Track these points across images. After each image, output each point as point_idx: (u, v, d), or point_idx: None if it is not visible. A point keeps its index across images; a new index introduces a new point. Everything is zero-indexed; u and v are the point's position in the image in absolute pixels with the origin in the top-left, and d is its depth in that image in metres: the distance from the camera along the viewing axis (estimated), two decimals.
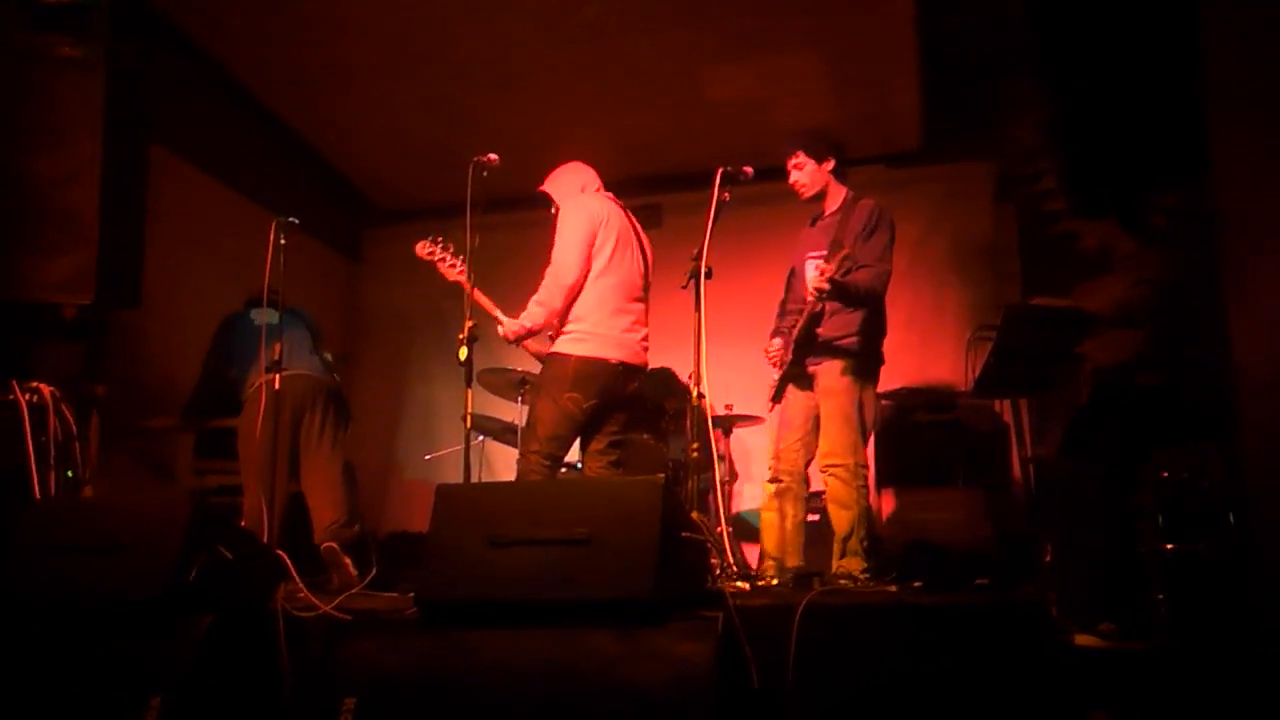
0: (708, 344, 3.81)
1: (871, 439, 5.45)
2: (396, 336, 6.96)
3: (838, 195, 4.26)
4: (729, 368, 4.37)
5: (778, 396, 4.26)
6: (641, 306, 4.27)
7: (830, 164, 4.24)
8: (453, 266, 4.23)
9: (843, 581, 3.71)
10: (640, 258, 4.31)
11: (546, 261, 4.09)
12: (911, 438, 5.43)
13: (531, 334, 4.10)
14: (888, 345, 6.00)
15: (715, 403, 5.32)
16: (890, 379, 5.71)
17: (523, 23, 5.40)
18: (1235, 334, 2.43)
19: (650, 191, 7.02)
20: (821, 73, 5.80)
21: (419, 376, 7.16)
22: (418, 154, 6.54)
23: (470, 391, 4.02)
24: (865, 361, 4.09)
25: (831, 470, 3.96)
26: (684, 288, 3.87)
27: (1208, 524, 3.31)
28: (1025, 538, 4.95)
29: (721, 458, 5.35)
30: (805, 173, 4.24)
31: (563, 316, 4.06)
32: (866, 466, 4.04)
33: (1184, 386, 3.45)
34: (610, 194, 4.31)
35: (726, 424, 5.68)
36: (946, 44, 5.49)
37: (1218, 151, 2.52)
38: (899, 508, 5.33)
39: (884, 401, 5.54)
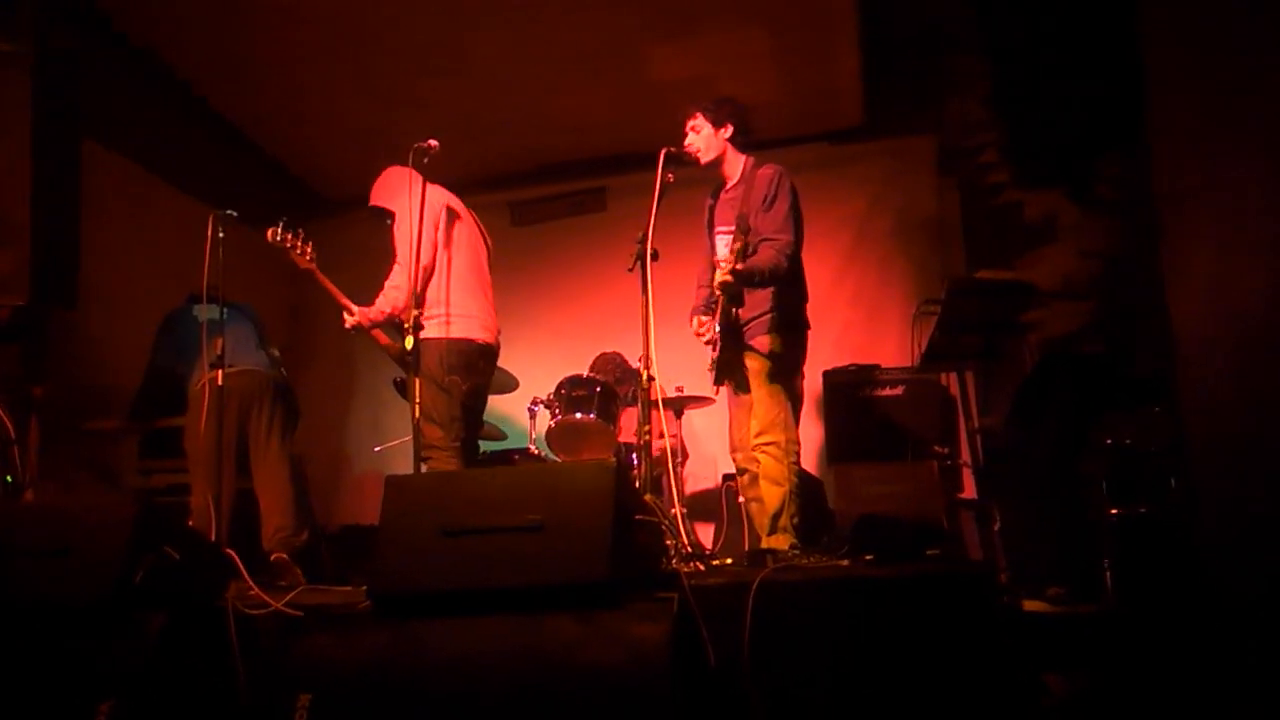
0: (656, 327, 3.82)
1: (816, 414, 5.55)
2: (342, 327, 6.88)
3: (737, 164, 4.19)
4: (678, 350, 4.37)
5: (719, 380, 4.22)
6: (489, 290, 4.40)
7: (728, 130, 4.15)
8: (303, 254, 4.21)
9: (769, 558, 3.69)
10: (483, 243, 4.46)
11: (392, 260, 4.18)
12: (859, 413, 5.47)
13: (390, 318, 4.15)
14: (834, 322, 6.07)
15: (665, 385, 5.34)
16: (837, 355, 5.80)
17: (463, 5, 5.34)
18: (1172, 297, 2.47)
19: (595, 175, 7.04)
20: (764, 50, 5.80)
21: (367, 367, 7.08)
22: (359, 141, 6.43)
23: (418, 380, 3.98)
24: (787, 334, 4.05)
25: (763, 448, 3.95)
26: (630, 270, 3.87)
27: (1153, 488, 3.38)
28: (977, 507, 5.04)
29: (673, 437, 5.37)
30: (701, 136, 4.15)
31: (420, 303, 4.08)
32: (798, 444, 4.03)
33: (1129, 354, 3.51)
34: (440, 184, 4.34)
35: (677, 406, 5.69)
36: (887, 19, 5.51)
37: (1154, 116, 2.56)
38: (848, 483, 5.35)
39: (831, 378, 5.60)
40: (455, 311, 4.17)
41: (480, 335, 4.24)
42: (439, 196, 4.27)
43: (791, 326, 4.08)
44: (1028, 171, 4.24)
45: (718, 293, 3.95)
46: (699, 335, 4.20)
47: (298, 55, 5.70)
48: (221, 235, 4.09)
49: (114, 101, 5.33)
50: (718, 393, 4.34)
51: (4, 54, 4.00)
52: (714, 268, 4.12)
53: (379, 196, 4.34)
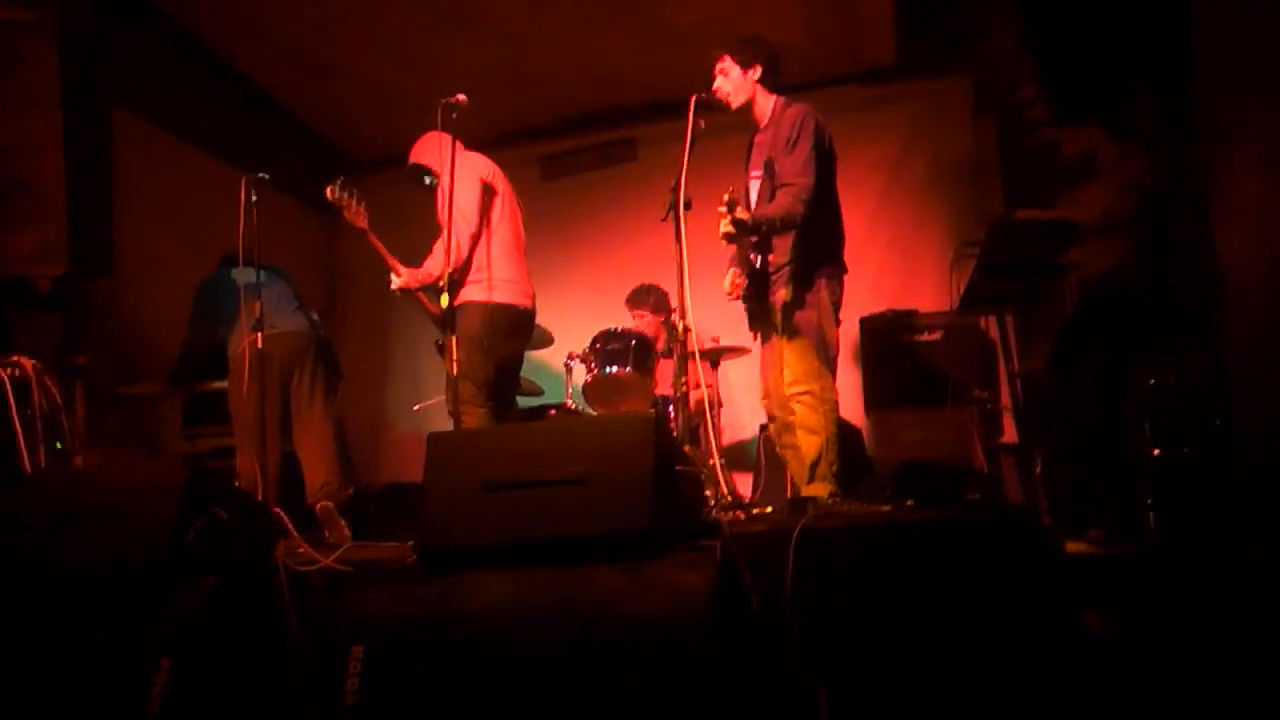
0: (691, 276, 3.79)
1: (854, 361, 5.51)
2: (377, 288, 6.89)
3: (767, 105, 4.08)
4: (714, 300, 4.35)
5: (753, 327, 4.23)
6: (525, 255, 4.49)
7: (756, 71, 4.04)
8: (357, 214, 4.31)
9: (810, 505, 3.66)
10: (518, 206, 4.51)
11: (436, 227, 4.17)
12: (898, 359, 5.44)
13: (436, 282, 4.17)
14: (870, 267, 5.99)
15: (701, 335, 5.32)
16: (874, 301, 5.76)
17: None
18: (1218, 228, 2.42)
19: (623, 125, 6.97)
20: None
21: (403, 326, 7.13)
22: (386, 101, 6.44)
23: (454, 338, 4.00)
24: (818, 279, 3.94)
25: (798, 397, 3.91)
26: (664, 220, 3.83)
27: (1195, 428, 3.35)
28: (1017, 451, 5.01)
29: (710, 387, 5.36)
30: (730, 79, 4.04)
31: (467, 266, 4.20)
32: (835, 391, 3.96)
33: (1171, 292, 3.45)
34: (476, 150, 4.40)
35: (714, 356, 5.68)
36: None
37: (1199, 48, 2.49)
38: (889, 429, 5.37)
39: (868, 324, 5.57)
40: (499, 277, 4.25)
41: (522, 301, 4.34)
42: (481, 164, 4.33)
43: (816, 272, 3.95)
44: (1065, 107, 4.16)
45: (724, 244, 3.90)
46: (728, 293, 4.17)
47: (321, 14, 5.67)
48: (255, 199, 4.11)
49: (142, 70, 5.33)
50: (755, 339, 4.31)
51: (28, 23, 4.01)
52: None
53: (419, 156, 4.39)
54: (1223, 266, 2.45)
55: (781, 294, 3.96)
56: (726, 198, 3.75)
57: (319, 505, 4.18)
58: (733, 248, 4.15)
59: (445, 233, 4.06)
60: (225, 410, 4.50)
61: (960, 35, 5.69)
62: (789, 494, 4.37)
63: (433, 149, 4.26)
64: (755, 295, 4.10)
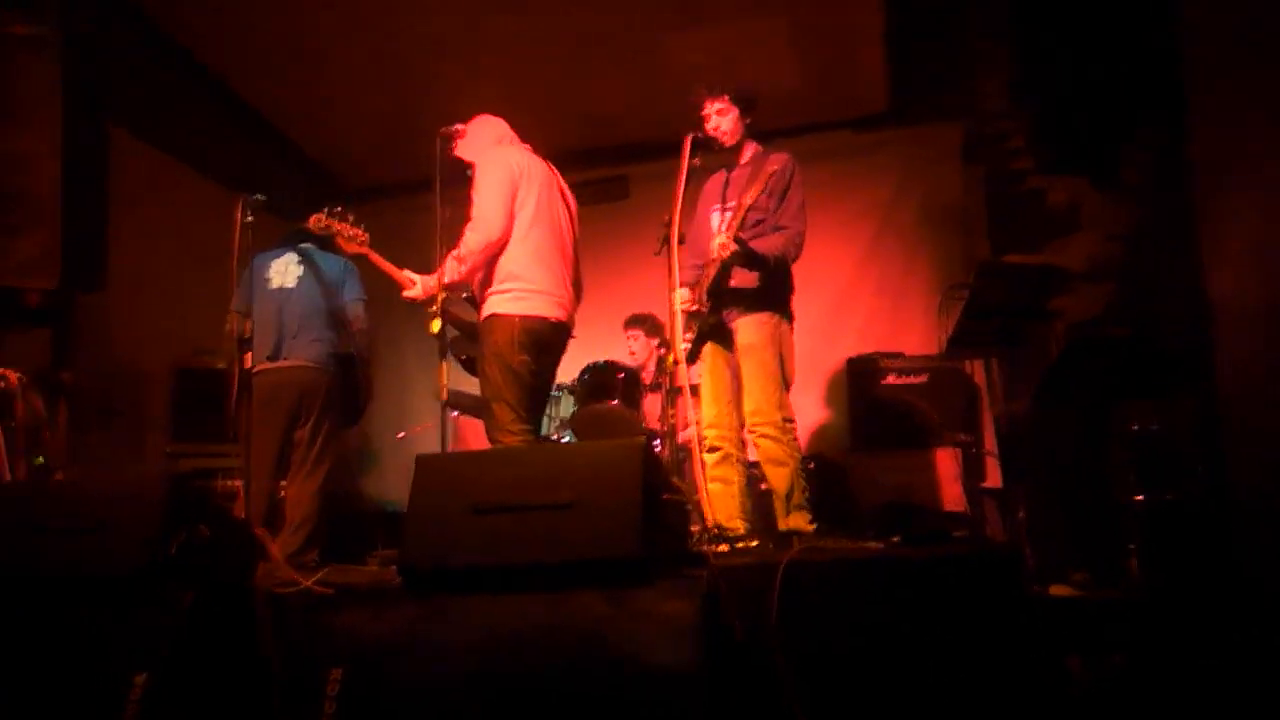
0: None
1: (840, 402, 5.51)
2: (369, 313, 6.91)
3: (749, 149, 4.17)
4: None
5: (693, 357, 4.10)
6: (571, 261, 4.12)
7: (749, 120, 4.15)
8: (353, 238, 4.14)
9: (795, 539, 3.64)
10: (565, 210, 4.15)
11: (465, 220, 3.89)
12: (884, 401, 5.47)
13: (449, 291, 3.92)
14: (858, 310, 6.01)
15: (691, 371, 5.32)
16: (861, 343, 5.80)
17: None
18: (1209, 268, 2.45)
19: (617, 163, 7.03)
20: (787, 37, 5.78)
21: (392, 353, 7.11)
22: (383, 129, 6.47)
23: (445, 365, 3.97)
24: (781, 309, 4.00)
25: (760, 430, 3.90)
26: (657, 254, 3.87)
27: (1178, 474, 3.37)
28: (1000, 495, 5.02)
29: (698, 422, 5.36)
30: (729, 119, 4.10)
31: (488, 274, 3.88)
32: (793, 420, 3.95)
33: (1156, 339, 3.49)
34: (526, 144, 4.17)
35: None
36: (911, 4, 5.48)
37: (1192, 87, 2.53)
38: (873, 471, 5.37)
39: (855, 366, 5.59)
40: (530, 287, 3.86)
41: (555, 313, 3.93)
42: (515, 158, 4.00)
43: (785, 299, 4.03)
44: (1053, 157, 4.22)
45: (723, 255, 3.83)
46: (685, 307, 4.01)
47: (321, 45, 5.72)
48: (250, 219, 4.11)
49: (141, 89, 5.36)
50: (690, 369, 4.15)
51: (32, 38, 4.03)
52: (695, 244, 4.09)
53: (461, 150, 4.11)
54: (1213, 300, 2.47)
55: (747, 320, 3.97)
56: (749, 201, 3.77)
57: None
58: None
59: (474, 231, 3.84)
60: (209, 431, 4.46)
61: (951, 84, 5.78)
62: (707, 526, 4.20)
63: (475, 136, 4.07)
64: (711, 312, 4.03)
